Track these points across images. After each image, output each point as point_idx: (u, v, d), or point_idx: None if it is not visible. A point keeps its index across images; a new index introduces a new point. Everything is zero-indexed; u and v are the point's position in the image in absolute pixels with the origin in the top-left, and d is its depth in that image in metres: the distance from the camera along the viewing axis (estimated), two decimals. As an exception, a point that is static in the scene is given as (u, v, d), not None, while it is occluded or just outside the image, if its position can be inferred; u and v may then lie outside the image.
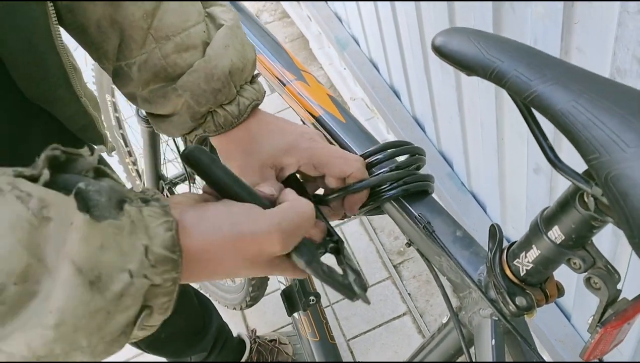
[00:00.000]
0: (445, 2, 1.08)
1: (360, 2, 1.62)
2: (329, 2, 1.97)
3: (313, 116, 0.71)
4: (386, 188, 0.63)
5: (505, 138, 1.12)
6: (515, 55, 0.43)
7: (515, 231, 1.29)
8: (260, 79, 0.67)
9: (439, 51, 0.46)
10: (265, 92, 0.66)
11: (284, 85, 0.75)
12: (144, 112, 1.22)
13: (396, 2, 1.35)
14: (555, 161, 0.42)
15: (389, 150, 0.64)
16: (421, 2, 1.20)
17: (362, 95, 1.96)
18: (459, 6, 1.06)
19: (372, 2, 1.50)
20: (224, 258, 0.45)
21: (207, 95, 0.60)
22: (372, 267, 1.75)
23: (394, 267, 1.74)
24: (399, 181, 0.62)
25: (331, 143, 0.69)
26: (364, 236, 1.81)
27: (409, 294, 1.68)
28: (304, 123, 0.74)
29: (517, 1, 0.88)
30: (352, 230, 1.83)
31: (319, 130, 0.70)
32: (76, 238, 0.36)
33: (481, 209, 1.41)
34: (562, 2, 0.78)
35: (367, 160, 0.64)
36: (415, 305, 1.66)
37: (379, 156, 0.64)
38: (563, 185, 1.00)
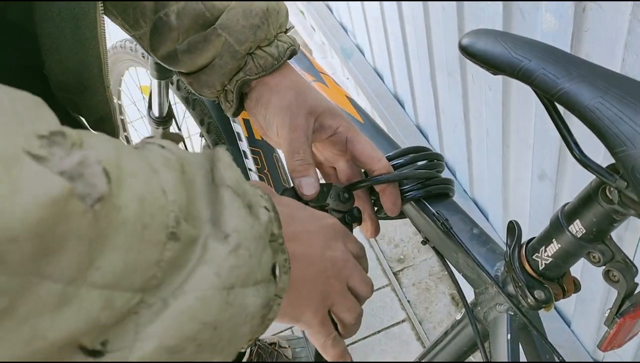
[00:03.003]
0: (455, 10, 1.10)
1: (367, 13, 1.64)
2: (334, 12, 1.99)
3: (331, 116, 0.72)
4: (409, 189, 0.64)
5: (510, 145, 1.14)
6: (541, 54, 0.45)
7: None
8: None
9: (466, 51, 0.48)
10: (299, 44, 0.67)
11: (302, 86, 0.76)
12: (155, 113, 1.23)
13: (404, 12, 1.38)
14: (580, 156, 0.44)
15: (410, 155, 0.65)
16: (430, 10, 1.23)
17: (364, 105, 1.99)
18: (469, 13, 1.08)
19: (379, 13, 1.53)
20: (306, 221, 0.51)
21: (247, 31, 0.60)
22: (372, 273, 1.75)
23: (394, 274, 1.75)
24: (422, 180, 0.64)
25: None
26: (364, 243, 1.82)
27: (408, 301, 1.69)
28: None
29: (526, 2, 0.90)
30: (352, 237, 1.83)
31: None
32: (223, 166, 0.37)
33: (483, 217, 1.42)
34: (573, 12, 0.80)
35: None
36: (414, 312, 1.67)
37: (399, 160, 0.65)
38: (568, 190, 1.02)
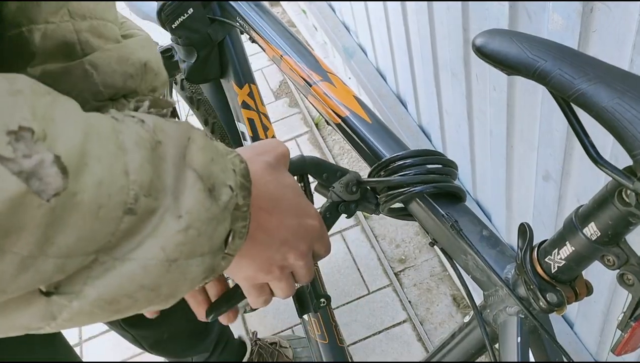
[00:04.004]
0: (459, 10, 1.10)
1: (370, 13, 1.64)
2: (336, 11, 1.99)
3: (339, 116, 0.72)
4: (415, 185, 0.63)
5: (514, 146, 1.13)
6: (557, 55, 0.44)
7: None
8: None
9: (480, 51, 0.48)
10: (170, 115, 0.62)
11: (310, 86, 0.76)
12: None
13: (408, 11, 1.37)
14: (597, 158, 0.43)
15: (421, 157, 0.65)
16: (434, 9, 1.22)
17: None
18: (473, 13, 1.07)
19: (382, 13, 1.52)
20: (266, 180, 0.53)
21: (117, 76, 0.57)
22: (373, 274, 1.76)
23: (395, 274, 1.75)
24: (430, 176, 0.63)
25: (357, 143, 0.70)
26: (366, 243, 1.82)
27: (409, 302, 1.69)
28: (327, 123, 0.75)
29: (532, 2, 0.90)
30: (353, 237, 1.83)
31: (345, 130, 0.72)
32: (195, 148, 0.41)
33: (486, 218, 1.42)
34: (580, 12, 0.80)
35: (395, 164, 0.65)
36: (415, 313, 1.67)
37: (408, 161, 0.65)
38: (572, 192, 1.02)
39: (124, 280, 0.37)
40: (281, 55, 0.80)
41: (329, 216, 0.70)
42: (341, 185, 0.69)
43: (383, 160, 0.65)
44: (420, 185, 0.63)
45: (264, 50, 0.83)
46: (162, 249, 0.38)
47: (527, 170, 1.13)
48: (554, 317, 1.23)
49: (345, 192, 0.69)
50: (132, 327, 1.22)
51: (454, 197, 0.64)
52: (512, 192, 1.24)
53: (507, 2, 0.94)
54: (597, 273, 0.97)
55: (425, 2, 1.24)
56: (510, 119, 1.10)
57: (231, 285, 0.62)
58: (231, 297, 0.61)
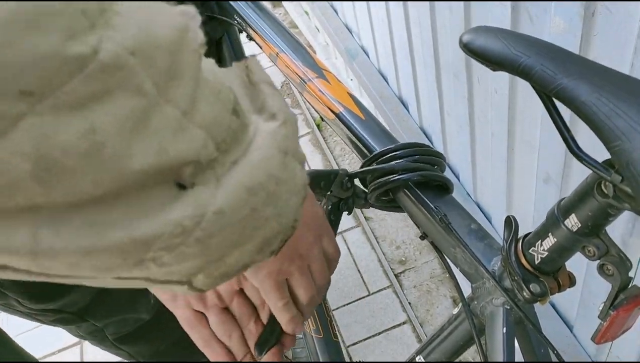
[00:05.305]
0: (462, 12, 1.11)
1: (372, 15, 1.65)
2: (339, 13, 2.00)
3: (333, 112, 0.74)
4: (402, 172, 0.65)
5: (515, 148, 1.14)
6: (540, 51, 0.46)
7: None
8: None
9: (467, 47, 0.49)
10: None
11: (305, 83, 0.77)
12: None
13: (410, 13, 1.39)
14: (577, 151, 0.45)
15: (408, 149, 0.67)
16: (436, 11, 1.23)
17: (368, 106, 1.99)
18: (476, 15, 1.09)
19: (385, 15, 1.54)
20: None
21: None
22: (373, 275, 1.77)
23: (395, 276, 1.76)
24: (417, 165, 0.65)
25: (351, 139, 0.72)
26: (366, 244, 1.83)
27: (409, 303, 1.70)
28: (322, 119, 0.76)
29: (534, 5, 0.91)
30: (354, 239, 1.85)
31: (339, 126, 0.73)
32: (258, 69, 0.42)
33: (486, 220, 1.43)
34: (582, 15, 0.81)
35: (385, 156, 0.67)
36: (415, 315, 1.67)
37: (398, 153, 0.67)
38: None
39: (253, 168, 0.36)
40: (277, 53, 0.81)
41: (334, 218, 0.72)
42: (336, 186, 0.70)
43: (374, 153, 0.67)
44: (407, 173, 0.64)
45: (261, 48, 0.85)
46: (273, 138, 0.38)
47: (527, 173, 1.14)
48: (553, 319, 1.24)
49: (341, 190, 0.71)
50: (125, 344, 1.20)
51: (441, 188, 0.66)
52: (513, 194, 1.25)
53: (509, 5, 0.95)
54: (596, 276, 0.97)
55: (428, 5, 1.25)
56: (511, 121, 1.11)
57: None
58: (272, 329, 0.59)
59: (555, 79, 0.44)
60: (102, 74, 0.27)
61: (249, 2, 0.88)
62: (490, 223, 1.42)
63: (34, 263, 0.30)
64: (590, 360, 1.21)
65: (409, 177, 0.64)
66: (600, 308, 0.49)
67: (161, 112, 0.30)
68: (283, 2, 2.62)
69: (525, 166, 1.14)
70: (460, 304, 0.65)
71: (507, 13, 0.97)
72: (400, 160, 0.65)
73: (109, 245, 0.31)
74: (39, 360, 1.15)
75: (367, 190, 0.69)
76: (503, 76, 1.06)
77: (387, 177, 0.65)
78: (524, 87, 1.02)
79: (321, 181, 0.71)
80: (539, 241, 0.52)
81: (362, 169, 0.68)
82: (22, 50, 0.25)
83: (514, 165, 1.18)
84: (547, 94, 0.45)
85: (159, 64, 0.29)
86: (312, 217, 0.56)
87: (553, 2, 0.86)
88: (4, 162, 0.26)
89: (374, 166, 0.66)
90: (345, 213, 0.73)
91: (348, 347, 1.65)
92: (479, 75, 1.16)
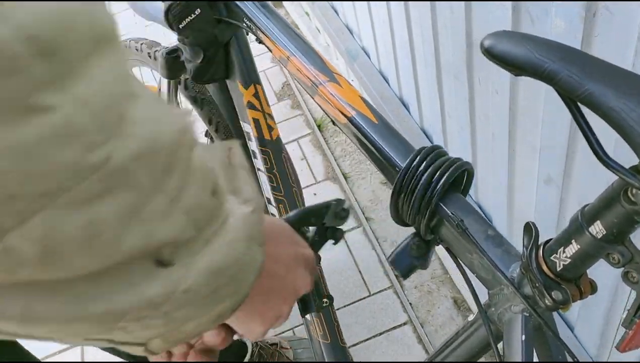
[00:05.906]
0: (463, 13, 1.11)
1: (373, 16, 1.65)
2: (339, 14, 2.00)
3: (346, 117, 0.73)
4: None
5: (516, 149, 1.14)
6: (564, 56, 0.45)
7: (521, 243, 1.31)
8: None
9: (489, 52, 0.48)
10: None
11: (317, 86, 0.76)
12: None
13: (411, 14, 1.38)
14: (604, 157, 0.44)
15: (436, 163, 0.65)
16: (437, 12, 1.23)
17: (367, 107, 1.99)
18: (476, 17, 1.08)
19: (386, 15, 1.53)
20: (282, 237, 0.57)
21: None
22: (374, 276, 1.77)
23: (396, 276, 1.75)
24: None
25: (364, 144, 0.71)
26: (367, 245, 1.82)
27: (410, 304, 1.70)
28: (334, 123, 0.76)
29: (535, 6, 0.91)
30: (355, 239, 1.84)
31: (352, 131, 0.72)
32: (239, 154, 0.48)
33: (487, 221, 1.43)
34: (583, 17, 0.80)
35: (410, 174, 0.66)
36: (416, 315, 1.67)
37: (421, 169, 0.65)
38: (574, 195, 1.03)
39: (224, 249, 0.40)
40: (288, 57, 0.80)
41: (317, 239, 0.71)
42: (329, 217, 0.70)
43: (399, 173, 0.65)
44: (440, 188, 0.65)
45: (271, 51, 0.84)
46: (244, 225, 0.42)
47: (529, 174, 1.14)
48: (555, 320, 1.24)
49: (336, 220, 0.71)
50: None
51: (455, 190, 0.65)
52: (514, 195, 1.25)
53: (510, 6, 0.95)
54: (598, 277, 0.97)
55: (429, 6, 1.25)
56: (513, 122, 1.11)
57: None
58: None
59: (582, 84, 0.43)
60: (108, 177, 0.31)
61: (257, 4, 0.87)
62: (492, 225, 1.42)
63: (20, 328, 0.35)
64: (592, 361, 1.21)
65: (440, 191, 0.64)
66: (624, 316, 0.49)
67: (153, 201, 0.34)
68: (284, 3, 2.61)
69: (526, 167, 1.14)
70: (468, 312, 0.64)
71: (508, 14, 0.97)
72: (432, 183, 0.65)
73: (89, 315, 0.35)
74: (41, 361, 1.15)
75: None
76: (504, 77, 1.06)
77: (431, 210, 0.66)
78: (525, 88, 1.02)
79: (311, 217, 0.70)
80: (562, 248, 0.51)
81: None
82: (48, 162, 0.29)
83: (515, 166, 1.18)
84: (573, 100, 0.44)
85: (157, 164, 0.33)
86: (278, 255, 0.57)
87: (554, 3, 0.86)
88: (15, 247, 0.30)
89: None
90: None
91: (349, 347, 1.64)
92: (480, 76, 1.15)
